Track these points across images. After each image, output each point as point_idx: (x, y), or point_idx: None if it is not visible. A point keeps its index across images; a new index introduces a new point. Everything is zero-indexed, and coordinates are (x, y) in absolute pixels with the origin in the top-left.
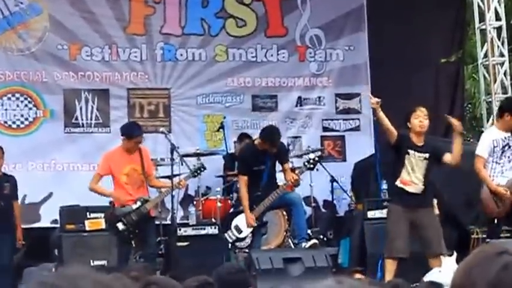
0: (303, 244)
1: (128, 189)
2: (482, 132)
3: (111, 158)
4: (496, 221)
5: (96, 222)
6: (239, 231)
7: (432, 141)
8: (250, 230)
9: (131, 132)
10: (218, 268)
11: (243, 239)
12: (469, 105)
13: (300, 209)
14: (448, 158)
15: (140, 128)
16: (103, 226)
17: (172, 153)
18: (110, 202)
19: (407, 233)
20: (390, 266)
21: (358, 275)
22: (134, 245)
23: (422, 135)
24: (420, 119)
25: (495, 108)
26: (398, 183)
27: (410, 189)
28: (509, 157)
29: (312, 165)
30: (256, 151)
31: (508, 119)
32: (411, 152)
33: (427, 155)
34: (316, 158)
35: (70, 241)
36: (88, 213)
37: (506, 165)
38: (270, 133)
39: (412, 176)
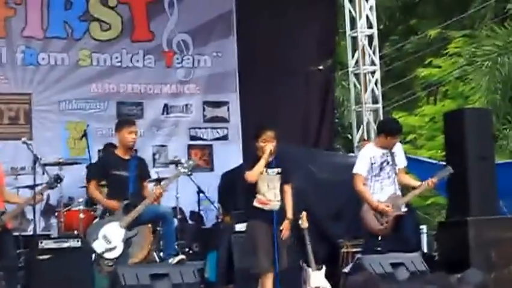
0: (171, 260)
1: None
2: (349, 140)
3: None
4: (380, 238)
5: None
6: (108, 241)
7: (285, 157)
8: (121, 240)
9: None
10: None
11: (112, 249)
12: (337, 113)
13: (171, 224)
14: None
15: None
16: None
17: (34, 163)
18: None
19: (271, 248)
20: (265, 282)
21: None
22: None
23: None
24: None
25: (365, 118)
26: (255, 203)
27: (268, 207)
28: (388, 173)
29: (187, 170)
30: (115, 156)
31: (386, 139)
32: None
33: (279, 170)
34: (191, 162)
35: None
36: None
37: (386, 181)
38: (121, 120)
39: (269, 194)
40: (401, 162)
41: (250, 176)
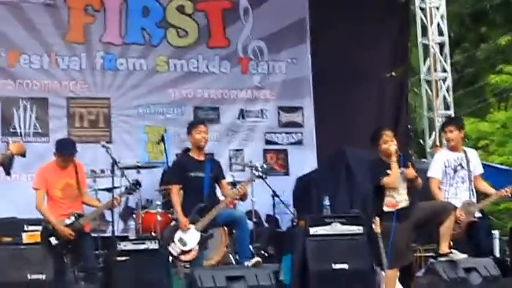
0: (246, 262)
1: (63, 205)
2: (422, 145)
3: (46, 173)
4: (451, 242)
5: (34, 235)
6: (184, 244)
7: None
8: (196, 242)
9: (60, 151)
10: None
11: (188, 251)
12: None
13: (245, 227)
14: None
15: (73, 147)
16: None
17: (113, 167)
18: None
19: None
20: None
21: None
22: (68, 260)
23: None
24: (388, 143)
25: (438, 125)
26: (385, 208)
27: (395, 208)
28: (462, 177)
29: (262, 173)
30: (189, 158)
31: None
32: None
33: (403, 169)
34: (265, 166)
35: (6, 254)
36: (25, 226)
37: (461, 187)
38: (190, 122)
39: (397, 197)
40: (477, 169)
41: (392, 183)
